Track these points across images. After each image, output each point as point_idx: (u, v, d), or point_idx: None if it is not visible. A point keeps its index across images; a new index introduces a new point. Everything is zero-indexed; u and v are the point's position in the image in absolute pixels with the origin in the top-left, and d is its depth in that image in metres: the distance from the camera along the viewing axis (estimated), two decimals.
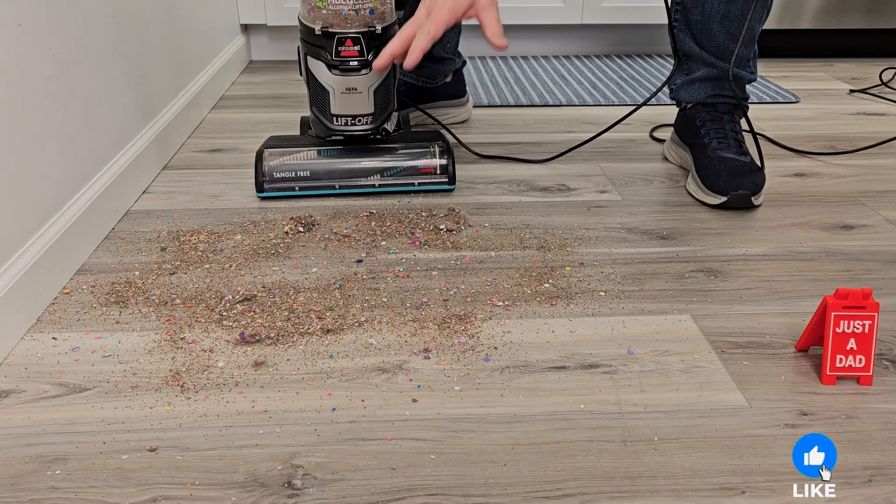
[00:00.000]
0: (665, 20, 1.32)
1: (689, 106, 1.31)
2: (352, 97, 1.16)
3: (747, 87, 1.42)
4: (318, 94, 1.18)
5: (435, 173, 1.23)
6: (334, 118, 1.18)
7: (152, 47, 1.32)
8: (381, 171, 1.22)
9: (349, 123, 1.18)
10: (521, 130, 1.54)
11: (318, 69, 1.15)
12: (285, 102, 1.72)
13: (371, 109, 1.18)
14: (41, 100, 0.93)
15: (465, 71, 1.62)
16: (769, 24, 2.07)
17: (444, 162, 1.22)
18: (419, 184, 1.23)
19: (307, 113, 1.31)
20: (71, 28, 1.01)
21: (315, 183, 1.21)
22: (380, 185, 1.22)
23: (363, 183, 1.22)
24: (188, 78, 1.53)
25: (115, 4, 1.16)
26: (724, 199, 1.16)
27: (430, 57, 1.42)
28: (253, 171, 1.22)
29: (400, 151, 1.23)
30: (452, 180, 1.23)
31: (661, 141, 1.47)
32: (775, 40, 2.12)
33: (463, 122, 1.59)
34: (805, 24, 2.08)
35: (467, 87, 1.61)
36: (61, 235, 0.94)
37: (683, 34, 1.28)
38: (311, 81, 1.18)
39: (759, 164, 1.22)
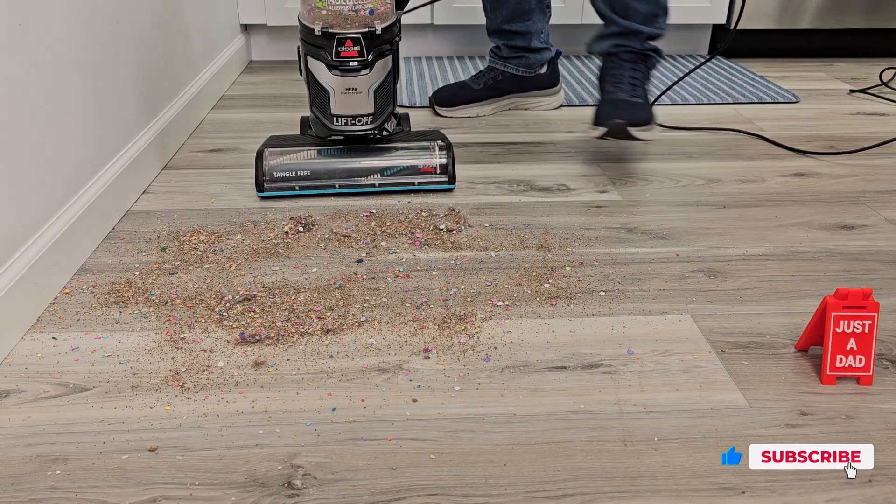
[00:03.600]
0: None
1: (601, 57, 1.39)
2: (352, 97, 1.16)
3: (664, 49, 1.52)
4: (318, 95, 1.18)
5: (435, 172, 1.23)
6: (334, 118, 1.18)
7: (152, 47, 1.32)
8: (382, 171, 1.22)
9: (349, 123, 1.18)
10: (521, 130, 1.54)
11: (318, 69, 1.15)
12: (285, 102, 1.72)
13: (371, 110, 1.18)
14: (41, 100, 0.93)
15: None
16: (769, 25, 2.08)
17: (444, 161, 1.22)
18: (419, 183, 1.23)
19: (307, 113, 1.31)
20: (71, 28, 1.01)
21: (315, 182, 1.21)
22: (380, 185, 1.22)
23: (363, 182, 1.22)
24: (188, 78, 1.53)
25: (116, 5, 1.16)
26: (604, 129, 1.24)
27: (528, 48, 1.56)
28: (253, 170, 1.22)
29: (400, 151, 1.23)
30: (452, 179, 1.23)
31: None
32: (775, 40, 2.12)
33: (557, 108, 1.67)
34: (805, 24, 2.08)
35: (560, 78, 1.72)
36: (61, 235, 0.94)
37: None
38: (311, 82, 1.18)
39: (649, 105, 1.31)
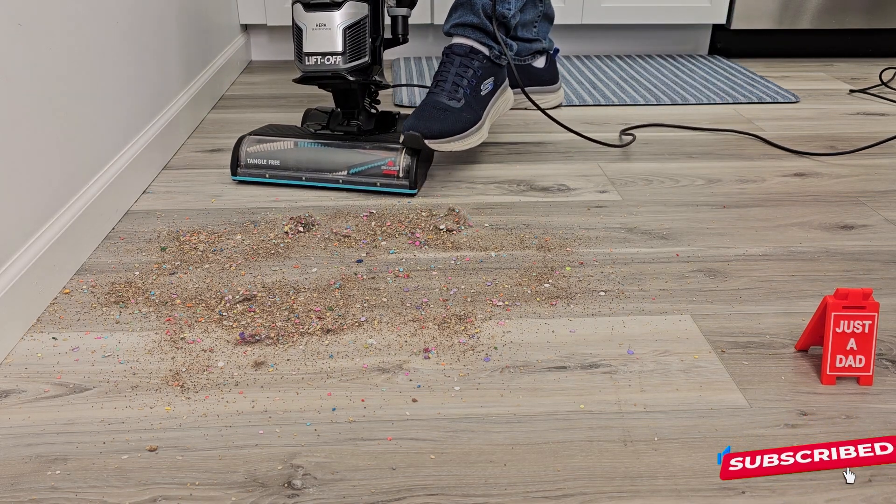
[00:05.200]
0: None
1: (448, 43, 1.33)
2: (321, 33, 1.18)
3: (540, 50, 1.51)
4: (296, 38, 1.20)
5: (397, 177, 1.21)
6: (306, 57, 1.19)
7: (152, 47, 1.32)
8: (349, 168, 1.22)
9: (319, 63, 1.19)
10: (522, 130, 1.54)
11: (297, 12, 1.19)
12: (285, 102, 1.72)
13: (340, 48, 1.18)
14: (41, 100, 0.93)
15: None
16: (769, 24, 2.08)
17: (406, 165, 1.21)
18: (381, 185, 1.22)
19: (309, 113, 1.31)
20: (71, 28, 1.01)
21: (283, 172, 1.24)
22: (343, 182, 1.23)
23: (329, 177, 1.23)
24: (188, 78, 1.53)
25: (115, 5, 1.16)
26: (402, 137, 1.20)
27: (516, 38, 1.51)
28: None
29: (369, 150, 1.23)
30: (413, 185, 1.21)
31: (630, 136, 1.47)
32: (775, 40, 2.12)
33: (555, 107, 1.66)
34: (805, 24, 2.08)
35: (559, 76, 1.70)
36: (61, 235, 0.94)
37: None
38: (293, 29, 1.21)
39: (472, 112, 1.24)
